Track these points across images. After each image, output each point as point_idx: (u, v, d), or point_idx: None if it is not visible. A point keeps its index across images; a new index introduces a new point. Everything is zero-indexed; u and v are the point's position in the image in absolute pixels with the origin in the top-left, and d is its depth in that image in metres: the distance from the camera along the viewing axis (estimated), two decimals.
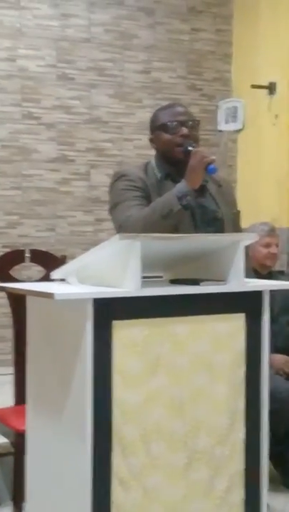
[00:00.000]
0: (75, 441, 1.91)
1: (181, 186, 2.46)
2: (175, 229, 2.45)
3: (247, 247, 2.19)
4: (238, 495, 2.12)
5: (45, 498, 2.11)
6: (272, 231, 3.59)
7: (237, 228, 2.75)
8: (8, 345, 3.23)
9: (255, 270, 3.55)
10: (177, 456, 2.00)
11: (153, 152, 2.72)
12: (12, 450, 2.93)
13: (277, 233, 3.64)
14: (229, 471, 2.09)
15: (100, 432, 1.88)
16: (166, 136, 2.60)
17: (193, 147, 2.52)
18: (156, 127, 2.64)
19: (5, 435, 2.96)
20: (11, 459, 2.99)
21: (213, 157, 2.48)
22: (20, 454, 2.82)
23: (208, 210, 2.60)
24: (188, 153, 2.51)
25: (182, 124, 2.59)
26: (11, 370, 3.09)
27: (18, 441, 2.79)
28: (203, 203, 2.60)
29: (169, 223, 2.42)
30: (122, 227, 2.45)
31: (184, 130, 2.57)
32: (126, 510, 1.92)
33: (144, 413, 1.95)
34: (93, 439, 1.87)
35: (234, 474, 2.10)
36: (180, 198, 2.43)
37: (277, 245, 3.58)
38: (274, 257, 3.57)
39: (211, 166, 2.45)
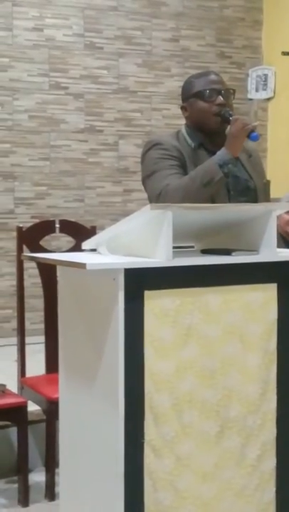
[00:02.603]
0: (108, 409, 1.93)
1: (222, 154, 2.42)
2: (211, 199, 2.43)
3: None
4: (270, 463, 2.12)
5: (77, 465, 2.14)
6: None
7: (267, 198, 2.73)
8: (39, 315, 3.26)
9: (284, 239, 3.53)
10: (209, 424, 2.01)
11: (182, 122, 2.69)
12: (44, 417, 2.98)
13: None
14: (261, 440, 2.10)
15: (132, 400, 1.89)
16: (202, 104, 2.55)
17: (231, 115, 2.49)
18: (191, 95, 2.59)
19: (37, 403, 3.00)
20: (42, 426, 3.03)
21: (256, 123, 2.44)
22: (51, 421, 2.87)
23: (241, 180, 2.58)
24: (226, 121, 2.47)
25: (218, 92, 2.55)
26: (42, 339, 3.13)
27: (50, 408, 2.84)
28: (236, 172, 2.56)
29: (209, 192, 2.39)
30: (161, 196, 2.42)
31: (221, 99, 2.53)
32: (158, 477, 1.94)
33: (176, 382, 1.96)
34: (125, 407, 1.89)
35: (266, 443, 2.11)
36: (221, 166, 2.40)
37: None
38: None
39: (254, 134, 2.41)
